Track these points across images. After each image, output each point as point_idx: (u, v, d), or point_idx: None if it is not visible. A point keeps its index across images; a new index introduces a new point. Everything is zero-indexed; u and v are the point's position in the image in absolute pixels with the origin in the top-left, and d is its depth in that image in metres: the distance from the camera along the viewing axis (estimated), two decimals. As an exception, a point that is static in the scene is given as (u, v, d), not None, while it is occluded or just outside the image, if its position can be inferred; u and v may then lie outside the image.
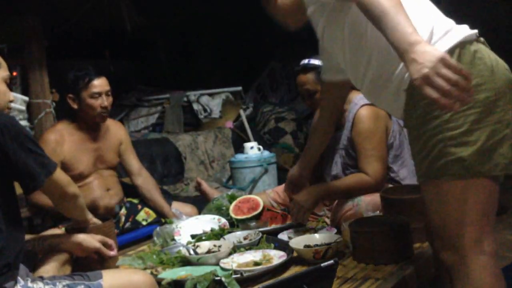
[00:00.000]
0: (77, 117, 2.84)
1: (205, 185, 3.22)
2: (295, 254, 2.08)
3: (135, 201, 3.03)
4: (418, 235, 2.07)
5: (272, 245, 2.21)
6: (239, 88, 6.44)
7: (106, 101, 2.80)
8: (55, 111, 3.93)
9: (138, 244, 2.69)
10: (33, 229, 3.12)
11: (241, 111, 6.14)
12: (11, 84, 1.88)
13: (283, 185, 2.67)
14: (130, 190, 3.06)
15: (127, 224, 2.92)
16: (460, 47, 1.48)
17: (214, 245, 2.23)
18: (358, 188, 2.38)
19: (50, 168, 1.71)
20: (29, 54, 3.88)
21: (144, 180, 3.03)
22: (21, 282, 1.59)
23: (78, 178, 2.75)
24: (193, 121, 6.10)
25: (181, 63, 7.52)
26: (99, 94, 2.78)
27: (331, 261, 1.45)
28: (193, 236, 2.47)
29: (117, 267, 2.09)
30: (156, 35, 7.09)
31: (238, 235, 2.36)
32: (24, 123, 4.00)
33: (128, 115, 6.15)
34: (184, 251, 2.22)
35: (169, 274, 2.01)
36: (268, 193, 2.90)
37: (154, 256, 2.24)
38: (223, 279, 1.77)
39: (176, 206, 3.08)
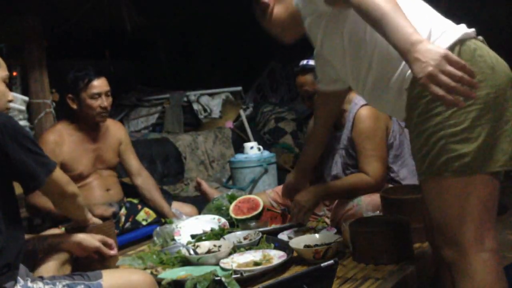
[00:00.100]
0: (77, 117, 2.84)
1: (205, 185, 3.22)
2: (295, 254, 2.08)
3: (135, 201, 3.03)
4: (418, 235, 2.07)
5: (272, 245, 2.21)
6: (239, 88, 6.44)
7: (105, 101, 2.80)
8: (55, 111, 3.93)
9: (138, 244, 2.69)
10: (33, 229, 3.12)
11: (241, 111, 6.14)
12: (10, 84, 1.88)
13: (283, 185, 2.67)
14: (130, 190, 3.05)
15: (127, 224, 2.92)
16: (459, 45, 1.49)
17: (214, 245, 2.23)
18: (358, 188, 2.38)
19: (50, 167, 1.71)
20: (29, 54, 3.88)
21: (144, 180, 3.03)
22: (21, 282, 1.59)
23: (78, 178, 2.75)
24: (193, 121, 6.10)
25: (181, 63, 7.52)
26: (99, 94, 2.78)
27: (331, 261, 1.45)
28: (193, 236, 2.47)
29: (117, 267, 2.08)
30: (156, 35, 7.09)
31: (238, 235, 2.36)
32: (24, 123, 4.00)
33: (128, 115, 6.15)
34: (184, 251, 2.22)
35: (169, 274, 2.01)
36: (268, 193, 2.90)
37: (154, 256, 2.24)
38: (223, 279, 1.76)
39: (176, 206, 3.08)
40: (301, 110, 6.40)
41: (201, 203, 3.11)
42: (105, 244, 1.96)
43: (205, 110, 6.09)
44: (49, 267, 1.85)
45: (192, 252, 2.19)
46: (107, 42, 6.86)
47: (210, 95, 6.24)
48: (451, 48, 1.47)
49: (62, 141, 2.78)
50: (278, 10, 1.89)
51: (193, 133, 5.68)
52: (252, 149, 4.51)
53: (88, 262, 1.96)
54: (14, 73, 4.42)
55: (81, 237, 1.93)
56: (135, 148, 3.15)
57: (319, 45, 1.78)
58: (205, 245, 2.24)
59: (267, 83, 7.53)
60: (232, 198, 2.77)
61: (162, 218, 2.92)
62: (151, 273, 2.03)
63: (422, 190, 1.61)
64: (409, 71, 1.49)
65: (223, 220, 2.62)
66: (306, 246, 2.10)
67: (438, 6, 1.64)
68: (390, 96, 1.62)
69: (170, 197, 3.18)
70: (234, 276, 1.86)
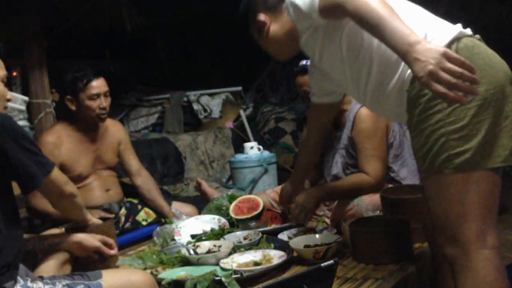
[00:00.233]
0: (76, 118, 2.83)
1: (205, 185, 3.22)
2: (295, 254, 2.08)
3: (135, 201, 3.03)
4: (418, 235, 2.07)
5: (272, 245, 2.21)
6: (239, 88, 6.44)
7: (104, 102, 2.79)
8: (55, 111, 3.93)
9: (138, 244, 2.69)
10: (33, 229, 3.12)
11: (241, 111, 6.15)
12: (10, 84, 1.88)
13: (283, 185, 2.67)
14: (130, 190, 3.05)
15: (127, 224, 2.92)
16: (456, 42, 1.51)
17: (214, 245, 2.23)
18: (358, 188, 2.38)
19: (48, 167, 1.70)
20: (29, 54, 3.88)
21: (144, 180, 3.02)
22: (20, 281, 1.59)
23: (77, 179, 2.74)
24: (193, 121, 6.10)
25: (181, 63, 7.52)
26: (98, 95, 2.77)
27: (331, 261, 1.45)
28: (193, 236, 2.47)
29: (117, 267, 2.08)
30: (156, 35, 7.09)
31: (238, 235, 2.36)
32: (24, 123, 4.00)
33: (128, 115, 6.15)
34: (184, 251, 2.22)
35: (169, 274, 2.01)
36: (268, 193, 2.90)
37: (154, 256, 2.24)
38: (223, 279, 1.76)
39: (176, 206, 3.08)
40: (301, 110, 6.40)
41: (201, 203, 3.12)
42: (105, 244, 1.96)
43: (205, 110, 6.09)
44: (49, 267, 1.85)
45: (192, 252, 2.19)
46: (107, 42, 6.87)
47: (210, 95, 6.24)
48: (448, 46, 1.49)
49: (60, 142, 2.78)
50: (274, 28, 1.90)
51: (193, 133, 5.68)
52: (252, 149, 4.51)
53: (88, 262, 1.96)
54: (14, 73, 4.43)
55: (81, 237, 1.93)
56: (135, 148, 3.15)
57: (318, 59, 1.80)
58: (205, 245, 2.24)
59: (267, 83, 7.53)
60: (232, 198, 2.77)
61: (162, 218, 2.92)
62: (151, 273, 2.03)
63: (424, 188, 1.61)
64: (408, 72, 1.51)
65: (223, 220, 2.62)
66: (306, 246, 2.10)
67: (438, 6, 1.65)
68: (392, 100, 1.63)
69: (170, 197, 3.18)
70: (234, 276, 1.86)
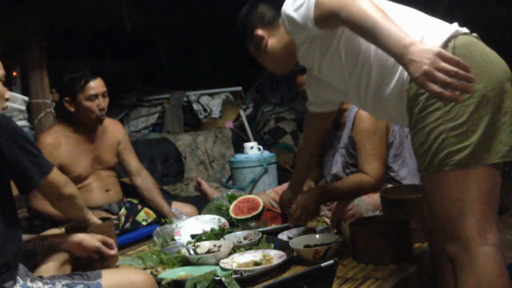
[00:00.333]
0: (74, 119, 2.83)
1: (205, 185, 3.22)
2: (295, 254, 2.08)
3: (135, 201, 3.02)
4: (418, 235, 2.07)
5: (272, 245, 2.21)
6: (239, 88, 6.44)
7: (103, 102, 2.78)
8: (55, 111, 3.93)
9: (138, 244, 2.69)
10: (33, 229, 3.12)
11: (241, 111, 6.14)
12: (10, 84, 1.88)
13: (283, 185, 2.67)
14: (130, 190, 3.05)
15: (127, 224, 2.92)
16: (453, 40, 1.52)
17: (214, 245, 2.23)
18: (358, 188, 2.38)
19: (46, 168, 1.70)
20: (29, 54, 3.87)
21: (144, 180, 3.02)
22: (20, 281, 1.59)
23: (77, 180, 2.73)
24: (193, 121, 6.10)
25: (181, 63, 7.52)
26: (96, 96, 2.76)
27: (331, 261, 1.45)
28: (193, 236, 2.47)
29: (117, 267, 2.08)
30: (156, 35, 7.09)
31: (238, 235, 2.36)
32: (24, 123, 4.01)
33: (128, 115, 6.15)
34: (184, 251, 2.22)
35: (169, 274, 2.01)
36: (268, 193, 2.90)
37: (154, 256, 2.24)
38: (223, 279, 1.76)
39: (176, 206, 3.08)
40: (301, 110, 6.40)
41: (201, 203, 3.11)
42: (105, 244, 1.96)
43: (205, 110, 6.09)
44: (49, 267, 1.85)
45: (192, 252, 2.19)
46: (107, 42, 6.86)
47: (210, 95, 6.24)
48: (445, 44, 1.50)
49: (59, 143, 2.77)
50: (272, 43, 1.91)
51: (193, 133, 5.68)
52: (252, 149, 4.51)
53: (88, 262, 1.96)
54: (14, 73, 4.43)
55: (81, 237, 1.93)
56: (135, 148, 3.14)
57: (317, 69, 1.81)
58: (205, 245, 2.24)
59: (267, 83, 7.52)
60: (232, 198, 2.77)
61: (162, 218, 2.91)
62: (151, 273, 2.04)
63: (424, 187, 1.61)
64: (407, 72, 1.51)
65: (223, 220, 2.62)
66: (306, 246, 2.10)
67: (438, 6, 1.65)
68: (393, 102, 1.64)
69: (170, 197, 3.18)
70: (234, 276, 1.86)
